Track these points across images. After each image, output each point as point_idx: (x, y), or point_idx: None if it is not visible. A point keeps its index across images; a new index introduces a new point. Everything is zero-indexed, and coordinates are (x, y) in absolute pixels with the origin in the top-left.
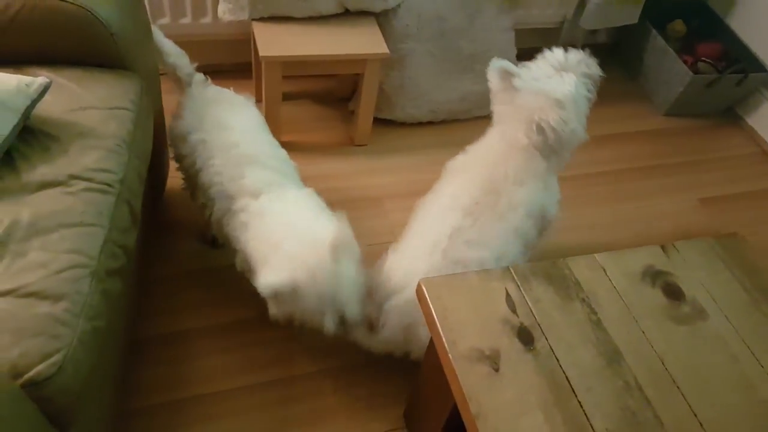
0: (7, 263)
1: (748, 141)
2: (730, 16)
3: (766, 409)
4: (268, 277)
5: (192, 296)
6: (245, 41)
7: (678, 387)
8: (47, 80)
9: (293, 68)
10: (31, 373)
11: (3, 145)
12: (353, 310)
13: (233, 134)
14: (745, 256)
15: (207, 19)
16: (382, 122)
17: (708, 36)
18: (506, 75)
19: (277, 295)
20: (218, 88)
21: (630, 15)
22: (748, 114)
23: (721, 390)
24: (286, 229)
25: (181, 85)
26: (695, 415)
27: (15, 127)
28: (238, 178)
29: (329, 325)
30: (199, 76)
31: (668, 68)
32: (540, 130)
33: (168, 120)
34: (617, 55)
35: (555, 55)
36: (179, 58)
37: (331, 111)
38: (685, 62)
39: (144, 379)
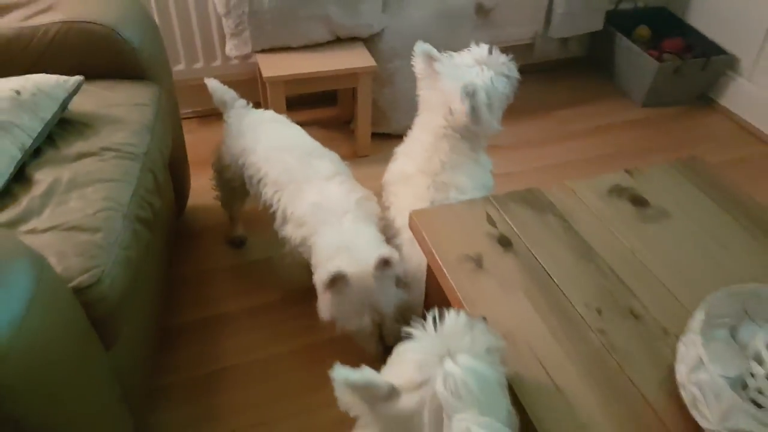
0: (51, 209)
1: (725, 119)
2: (688, 15)
3: (731, 276)
4: (329, 267)
5: (222, 288)
6: (253, 80)
7: (648, 268)
8: (81, 77)
9: (295, 86)
10: (74, 282)
11: (46, 128)
12: (387, 310)
13: (296, 138)
14: (706, 171)
15: (217, 62)
16: (380, 136)
17: (671, 35)
18: (429, 59)
19: (331, 282)
20: (261, 110)
21: (594, 22)
22: (720, 96)
23: (688, 266)
24: (350, 243)
25: (225, 107)
26: (666, 287)
27: (55, 114)
28: (309, 167)
29: (366, 323)
30: (242, 101)
31: (637, 63)
32: (452, 112)
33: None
34: (592, 63)
35: (480, 50)
36: (224, 89)
37: (336, 133)
38: (651, 56)
39: (183, 357)
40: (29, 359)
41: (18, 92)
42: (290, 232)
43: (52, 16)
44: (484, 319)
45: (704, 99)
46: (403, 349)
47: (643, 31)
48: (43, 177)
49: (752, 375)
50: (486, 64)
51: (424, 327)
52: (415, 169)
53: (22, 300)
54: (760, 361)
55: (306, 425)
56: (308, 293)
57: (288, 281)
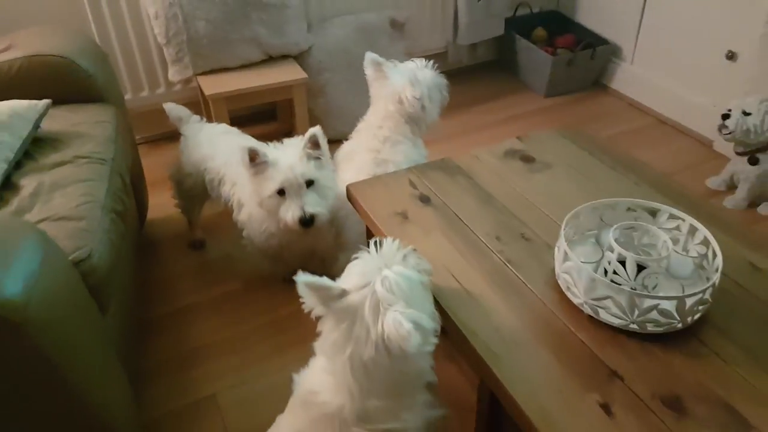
0: (39, 206)
1: (616, 100)
2: (577, 15)
3: (600, 195)
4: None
5: (189, 283)
6: (196, 103)
7: (535, 204)
8: (49, 101)
9: (236, 101)
10: (69, 258)
11: (24, 144)
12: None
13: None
14: (579, 133)
15: (161, 90)
16: None
17: (564, 34)
18: (377, 64)
19: (249, 157)
20: (213, 124)
21: (496, 27)
22: (610, 80)
23: (566, 198)
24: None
25: (181, 122)
26: (549, 216)
27: (30, 132)
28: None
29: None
30: (196, 117)
31: (536, 60)
32: (401, 101)
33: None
34: (501, 65)
35: (418, 61)
36: (179, 108)
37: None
38: (547, 52)
39: (162, 342)
40: (45, 308)
41: None
42: (243, 215)
43: (13, 53)
44: (414, 249)
45: (598, 85)
46: (352, 264)
47: (540, 32)
48: (27, 182)
49: (609, 263)
50: (424, 69)
51: (368, 251)
52: (361, 147)
53: (35, 261)
54: (611, 249)
55: (277, 381)
56: (267, 280)
57: (248, 271)
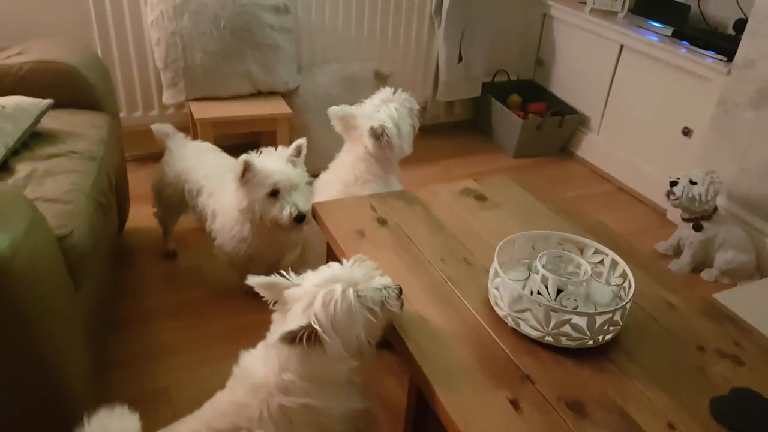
0: (32, 188)
1: (581, 166)
2: (551, 85)
3: (537, 228)
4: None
5: (158, 288)
6: (186, 128)
7: (481, 236)
8: (51, 100)
9: (222, 127)
10: (54, 233)
11: (23, 135)
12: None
13: (228, 160)
14: (529, 181)
15: (154, 112)
16: None
17: (537, 101)
18: (341, 118)
19: (243, 170)
20: (197, 141)
21: (473, 89)
22: (577, 147)
23: (508, 233)
24: None
25: (168, 138)
26: (491, 246)
27: (31, 125)
28: None
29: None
30: (181, 134)
31: (507, 122)
32: (368, 147)
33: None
34: (475, 125)
35: (385, 91)
36: (166, 125)
37: None
38: (519, 116)
39: (124, 337)
40: (27, 266)
41: (3, 106)
42: (216, 224)
43: (24, 57)
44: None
45: (565, 151)
46: (324, 267)
47: (515, 98)
48: (22, 168)
49: (534, 284)
50: (390, 101)
51: (342, 263)
52: (336, 180)
53: (23, 224)
54: (537, 272)
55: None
56: (231, 291)
57: (214, 281)
